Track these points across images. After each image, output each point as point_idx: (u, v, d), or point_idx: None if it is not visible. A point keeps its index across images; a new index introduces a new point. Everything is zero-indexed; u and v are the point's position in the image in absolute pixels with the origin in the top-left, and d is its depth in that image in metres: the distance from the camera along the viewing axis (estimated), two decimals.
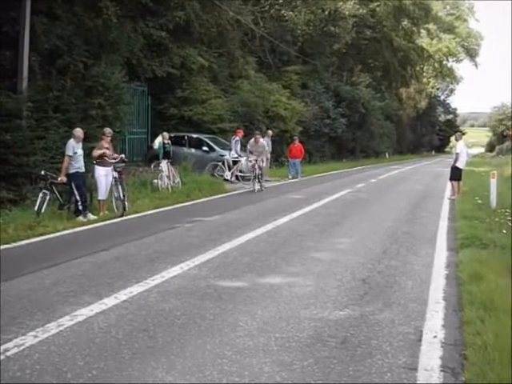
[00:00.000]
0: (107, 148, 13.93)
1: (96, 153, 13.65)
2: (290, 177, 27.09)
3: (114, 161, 13.85)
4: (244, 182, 23.54)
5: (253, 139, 21.19)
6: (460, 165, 18.71)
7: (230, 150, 24.03)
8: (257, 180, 20.70)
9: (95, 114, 17.30)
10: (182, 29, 24.29)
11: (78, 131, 13.13)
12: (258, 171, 20.53)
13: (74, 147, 12.86)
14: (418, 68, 64.37)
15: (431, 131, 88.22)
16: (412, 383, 4.56)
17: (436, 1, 66.28)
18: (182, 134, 24.17)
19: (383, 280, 7.77)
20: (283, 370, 4.72)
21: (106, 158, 13.69)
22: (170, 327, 5.73)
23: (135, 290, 7.00)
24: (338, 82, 47.01)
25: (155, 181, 18.12)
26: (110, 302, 6.50)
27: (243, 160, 24.31)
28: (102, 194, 13.75)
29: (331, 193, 19.63)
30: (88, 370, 4.65)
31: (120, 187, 13.88)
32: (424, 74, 73.94)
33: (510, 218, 12.45)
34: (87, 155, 13.68)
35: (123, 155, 15.03)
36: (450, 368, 4.82)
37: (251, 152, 21.01)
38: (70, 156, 12.82)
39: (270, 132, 27.30)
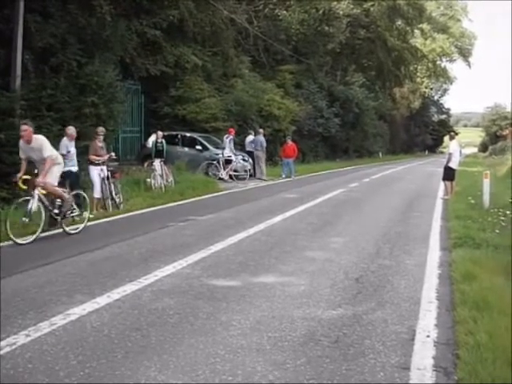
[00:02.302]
0: (101, 147, 14.02)
1: (93, 158, 13.78)
2: (284, 176, 27.12)
3: (101, 159, 13.91)
4: (238, 181, 23.61)
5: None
6: (453, 165, 18.75)
7: (224, 148, 24.05)
8: (44, 215, 10.61)
9: (89, 112, 17.23)
10: (175, 27, 24.26)
11: (71, 129, 13.10)
12: (36, 198, 10.49)
13: (67, 146, 12.84)
14: (411, 68, 64.50)
15: (424, 131, 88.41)
16: (405, 383, 4.57)
17: (430, 1, 66.42)
18: (175, 132, 24.16)
19: (376, 279, 7.78)
20: (276, 369, 4.72)
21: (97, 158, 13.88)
22: (162, 326, 5.72)
23: (128, 288, 6.99)
24: (332, 82, 47.07)
25: (148, 180, 18.10)
26: (102, 300, 6.49)
27: (238, 159, 24.39)
28: (98, 192, 13.79)
29: (325, 192, 19.65)
30: (80, 368, 4.64)
31: (112, 186, 14.03)
32: (418, 73, 74.12)
33: (502, 218, 12.49)
34: (80, 154, 13.65)
35: (113, 153, 15.10)
36: (442, 367, 4.83)
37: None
38: (64, 154, 12.79)
39: (261, 130, 27.29)
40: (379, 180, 27.87)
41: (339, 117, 43.06)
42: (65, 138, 12.94)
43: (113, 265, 8.34)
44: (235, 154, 24.39)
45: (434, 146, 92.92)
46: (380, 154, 57.27)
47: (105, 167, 14.02)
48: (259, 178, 25.29)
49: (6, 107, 14.51)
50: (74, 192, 11.92)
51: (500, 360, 4.81)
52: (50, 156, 10.90)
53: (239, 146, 26.53)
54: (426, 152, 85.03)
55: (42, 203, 10.65)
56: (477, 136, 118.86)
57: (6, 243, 9.87)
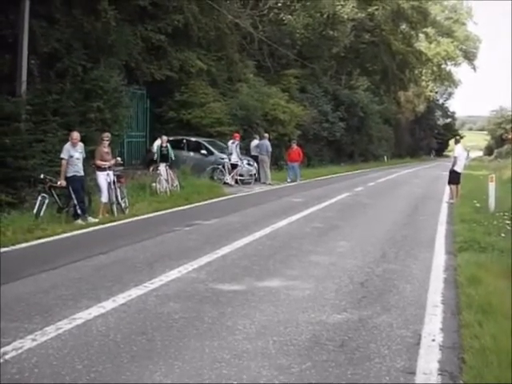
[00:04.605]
0: (107, 152, 14.04)
1: (99, 163, 13.80)
2: (289, 180, 27.09)
3: (108, 164, 13.94)
4: (243, 185, 23.62)
5: None
6: (458, 168, 18.73)
7: (231, 154, 24.03)
8: None
9: (94, 117, 17.27)
10: (180, 32, 24.31)
11: (72, 134, 13.09)
12: None
13: (70, 151, 12.85)
14: (416, 72, 64.42)
15: (430, 135, 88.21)
16: None
17: (434, 5, 66.39)
18: (180, 137, 24.14)
19: (381, 283, 7.78)
20: (281, 373, 4.72)
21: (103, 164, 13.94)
22: (168, 330, 5.73)
23: (134, 293, 7.00)
24: (337, 86, 46.99)
25: (154, 184, 18.12)
26: (108, 305, 6.50)
27: (243, 163, 24.41)
28: (105, 196, 13.83)
29: (330, 196, 19.64)
30: (86, 373, 4.66)
31: (118, 191, 14.08)
32: (422, 77, 73.96)
33: (508, 222, 12.46)
34: (85, 159, 13.65)
35: (119, 158, 15.17)
36: (448, 371, 4.83)
37: None
38: (64, 159, 12.81)
39: (266, 135, 27.26)
40: (384, 184, 27.83)
41: (344, 121, 42.99)
42: (68, 143, 12.97)
43: (118, 269, 8.35)
44: (241, 159, 24.40)
45: (439, 150, 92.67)
46: (385, 158, 57.11)
47: (111, 172, 14.05)
48: (264, 183, 25.28)
49: (11, 112, 14.54)
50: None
51: (504, 363, 4.80)
52: None
53: (244, 150, 26.51)
54: (432, 156, 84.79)
55: None
56: (482, 139, 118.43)
57: (11, 248, 9.92)
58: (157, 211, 15.13)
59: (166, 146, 18.92)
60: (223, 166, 23.65)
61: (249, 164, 25.13)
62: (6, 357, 4.94)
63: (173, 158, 18.92)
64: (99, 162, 13.86)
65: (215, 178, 23.25)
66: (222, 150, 24.58)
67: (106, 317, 6.12)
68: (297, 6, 40.27)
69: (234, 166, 23.91)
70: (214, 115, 26.46)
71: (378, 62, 53.07)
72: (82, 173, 13.13)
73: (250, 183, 24.34)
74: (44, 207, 12.63)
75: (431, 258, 9.64)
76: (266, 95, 31.82)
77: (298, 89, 39.03)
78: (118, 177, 14.45)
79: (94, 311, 6.27)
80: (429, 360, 5.07)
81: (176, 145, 22.31)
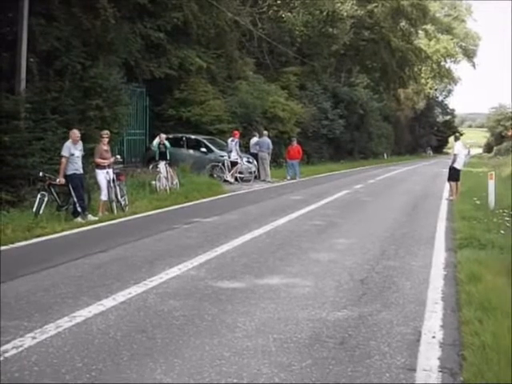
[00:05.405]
0: (106, 150, 14.04)
1: (98, 161, 13.80)
2: (289, 178, 27.10)
3: (107, 162, 13.94)
4: (243, 182, 23.62)
5: None
6: (458, 165, 18.72)
7: (230, 151, 24.03)
8: None
9: (93, 115, 17.26)
10: (180, 30, 24.31)
11: (72, 132, 13.09)
12: None
13: (70, 148, 12.84)
14: (415, 69, 64.36)
15: (429, 132, 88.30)
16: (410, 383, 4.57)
17: (434, 2, 66.35)
18: (180, 135, 24.18)
19: (381, 281, 7.77)
20: (282, 370, 4.72)
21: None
22: (168, 328, 5.73)
23: (133, 291, 7.00)
24: (336, 83, 46.97)
25: (153, 182, 18.12)
26: (108, 303, 6.50)
27: (243, 161, 24.41)
28: (104, 194, 13.84)
29: (329, 194, 19.63)
30: (86, 371, 4.65)
31: (117, 189, 14.09)
32: (422, 74, 73.96)
33: (508, 219, 12.46)
34: (84, 156, 13.65)
35: (118, 156, 15.20)
36: (448, 368, 4.82)
37: None
38: (65, 157, 12.80)
39: (265, 132, 27.26)
40: (384, 181, 27.83)
41: (344, 118, 43.00)
42: (68, 141, 12.96)
43: (118, 267, 8.34)
44: (241, 157, 24.40)
45: (438, 147, 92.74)
46: (385, 155, 57.13)
47: (110, 170, 14.06)
48: (264, 180, 25.28)
49: (10, 110, 14.54)
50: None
51: (504, 361, 4.80)
52: None
53: (244, 148, 26.52)
54: (431, 153, 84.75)
55: None
56: (482, 137, 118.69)
57: (10, 246, 9.91)
58: (156, 209, 15.13)
59: (164, 144, 18.92)
60: (223, 164, 23.67)
61: (248, 162, 25.13)
62: (6, 355, 4.94)
63: (168, 157, 18.86)
64: (99, 160, 13.86)
65: (215, 175, 23.28)
66: (221, 148, 24.59)
67: (106, 315, 6.11)
68: (296, 4, 40.26)
69: (233, 164, 23.92)
70: (213, 113, 26.48)
71: (378, 59, 53.05)
72: (81, 171, 13.13)
73: (249, 181, 24.34)
74: (43, 205, 12.62)
75: (431, 255, 9.63)
76: (265, 93, 31.84)
77: (298, 86, 39.03)
78: (118, 175, 14.46)
79: (94, 309, 6.26)
80: (429, 357, 5.06)
81: (175, 143, 22.37)
